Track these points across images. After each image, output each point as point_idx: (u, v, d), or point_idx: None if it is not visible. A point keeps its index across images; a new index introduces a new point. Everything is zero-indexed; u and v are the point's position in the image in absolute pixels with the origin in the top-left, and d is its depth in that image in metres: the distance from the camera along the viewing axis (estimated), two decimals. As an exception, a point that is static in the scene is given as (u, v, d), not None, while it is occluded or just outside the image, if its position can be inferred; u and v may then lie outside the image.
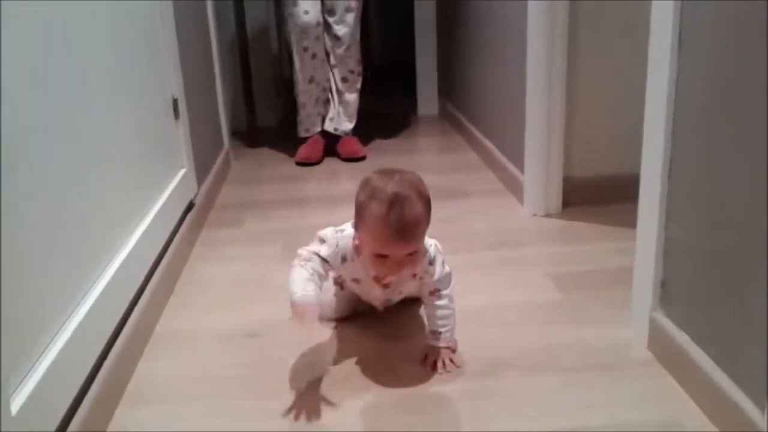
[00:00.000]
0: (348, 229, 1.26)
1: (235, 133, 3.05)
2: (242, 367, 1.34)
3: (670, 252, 1.26)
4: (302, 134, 2.87)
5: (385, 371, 1.29)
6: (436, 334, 1.30)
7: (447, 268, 1.29)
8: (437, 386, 1.24)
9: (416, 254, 1.18)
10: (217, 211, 2.27)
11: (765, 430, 0.94)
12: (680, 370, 1.21)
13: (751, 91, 0.98)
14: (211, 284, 1.72)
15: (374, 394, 1.22)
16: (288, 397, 1.22)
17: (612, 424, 1.12)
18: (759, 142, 0.97)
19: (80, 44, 1.26)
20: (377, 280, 1.28)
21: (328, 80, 2.85)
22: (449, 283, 1.30)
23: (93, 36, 1.33)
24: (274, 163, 2.88)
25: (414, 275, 1.26)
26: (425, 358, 1.31)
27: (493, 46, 2.52)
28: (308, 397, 1.22)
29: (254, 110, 3.46)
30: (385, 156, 2.86)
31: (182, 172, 1.92)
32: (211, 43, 2.65)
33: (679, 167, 1.21)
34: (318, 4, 2.68)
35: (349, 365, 1.30)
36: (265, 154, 3.02)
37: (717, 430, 1.09)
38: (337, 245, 1.26)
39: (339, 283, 1.41)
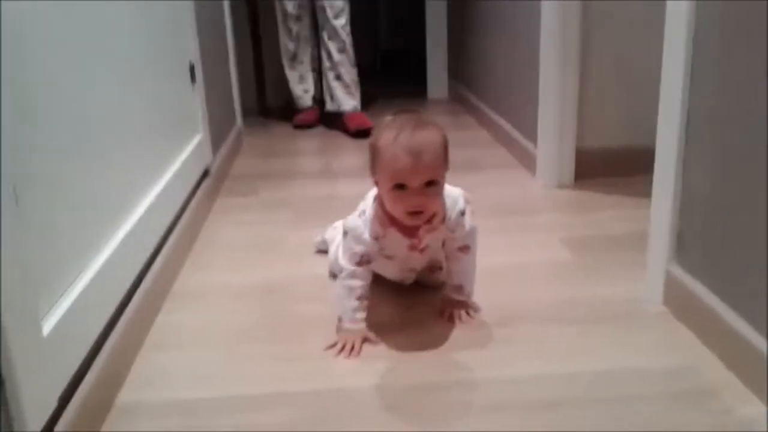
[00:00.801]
0: (367, 209, 1.22)
1: (246, 113, 3.07)
2: (259, 318, 1.36)
3: (685, 204, 1.27)
4: (295, 106, 3.10)
5: (402, 322, 1.31)
6: (459, 288, 1.30)
7: (474, 222, 1.26)
8: (453, 336, 1.26)
9: (436, 187, 1.13)
10: (232, 181, 2.29)
11: (782, 367, 0.96)
12: (695, 318, 1.22)
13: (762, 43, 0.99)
14: (227, 246, 1.74)
15: (392, 343, 1.24)
16: (304, 345, 1.24)
17: (626, 369, 1.13)
18: None
19: (107, 12, 1.29)
20: (414, 247, 1.23)
21: (315, 59, 3.01)
22: (476, 237, 1.27)
23: (118, 4, 1.36)
24: (284, 139, 2.91)
25: (451, 232, 1.23)
26: (443, 311, 1.32)
27: (505, 25, 2.52)
28: (326, 344, 1.23)
29: (264, 91, 3.49)
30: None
31: (198, 137, 1.94)
32: (225, 22, 2.67)
33: (695, 120, 1.22)
34: None
35: (368, 316, 1.31)
36: (276, 131, 3.05)
37: (733, 374, 1.10)
38: (361, 233, 1.21)
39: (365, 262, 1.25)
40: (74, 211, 1.07)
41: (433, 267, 1.40)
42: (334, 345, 1.22)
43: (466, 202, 1.24)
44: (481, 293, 1.35)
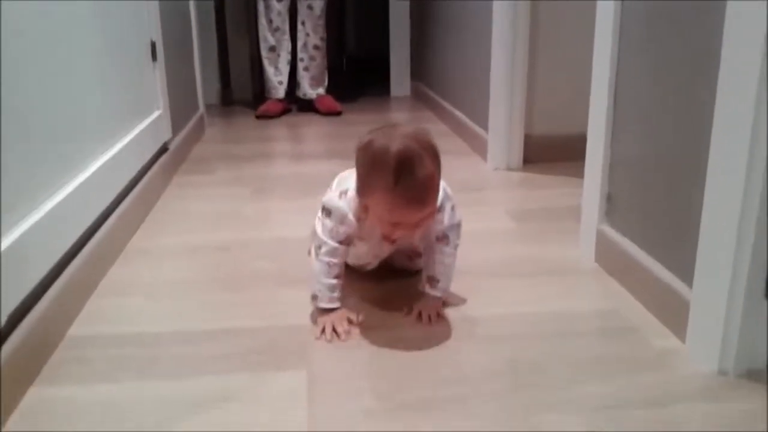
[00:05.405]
0: (351, 188, 1.14)
1: (210, 106, 3.13)
2: (212, 271, 1.41)
3: (614, 167, 1.36)
4: (266, 95, 3.21)
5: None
6: (433, 281, 1.20)
7: (458, 217, 1.19)
8: (393, 280, 1.33)
9: (431, 214, 1.09)
10: (191, 163, 2.33)
11: (690, 300, 1.04)
12: (622, 270, 1.31)
13: (684, 16, 1.09)
14: (184, 214, 1.78)
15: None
16: (255, 293, 1.30)
17: (562, 312, 1.22)
18: (693, 61, 1.07)
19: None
20: (387, 238, 1.15)
21: (289, 52, 3.15)
22: (458, 232, 1.21)
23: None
24: (247, 127, 2.96)
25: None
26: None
27: (460, 27, 2.64)
28: (274, 293, 1.30)
29: (229, 84, 3.53)
30: (359, 126, 2.94)
31: (157, 113, 1.98)
32: (190, 10, 2.72)
33: (623, 88, 1.31)
34: None
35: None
36: (239, 120, 3.11)
37: (653, 315, 1.18)
38: (346, 215, 1.13)
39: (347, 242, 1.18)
40: (29, 149, 1.11)
41: (412, 254, 1.34)
42: (323, 332, 1.14)
43: (447, 198, 1.17)
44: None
